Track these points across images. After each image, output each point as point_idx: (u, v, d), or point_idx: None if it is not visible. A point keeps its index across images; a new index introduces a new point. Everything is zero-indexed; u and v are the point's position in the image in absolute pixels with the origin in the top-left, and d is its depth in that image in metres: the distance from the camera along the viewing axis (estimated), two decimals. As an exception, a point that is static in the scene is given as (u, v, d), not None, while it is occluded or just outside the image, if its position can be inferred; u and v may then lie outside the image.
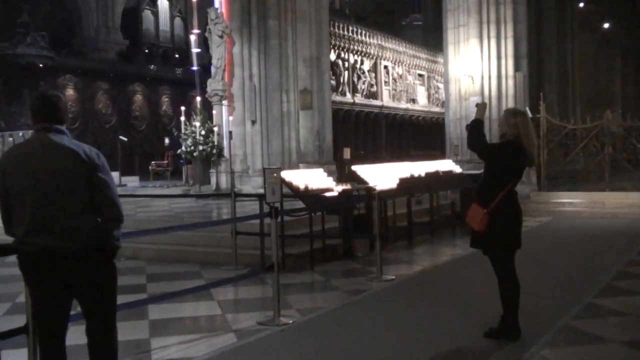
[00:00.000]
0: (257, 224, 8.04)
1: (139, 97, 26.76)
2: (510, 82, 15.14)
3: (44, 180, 3.19)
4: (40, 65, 22.42)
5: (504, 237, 4.72)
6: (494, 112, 14.69)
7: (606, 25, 26.64)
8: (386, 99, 20.85)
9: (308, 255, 8.09)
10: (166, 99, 27.79)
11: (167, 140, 21.69)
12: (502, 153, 4.75)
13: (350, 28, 19.03)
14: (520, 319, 4.81)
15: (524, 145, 4.72)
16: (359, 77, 19.47)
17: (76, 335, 3.49)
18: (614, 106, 23.73)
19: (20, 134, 15.24)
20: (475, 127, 4.83)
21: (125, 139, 20.15)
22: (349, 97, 18.88)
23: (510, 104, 14.80)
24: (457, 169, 12.30)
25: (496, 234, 4.69)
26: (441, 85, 22.48)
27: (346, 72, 18.84)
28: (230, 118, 14.65)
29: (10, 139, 15.69)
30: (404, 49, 21.83)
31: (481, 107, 4.98)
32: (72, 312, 3.39)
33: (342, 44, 18.57)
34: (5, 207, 3.28)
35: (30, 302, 3.48)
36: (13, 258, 3.38)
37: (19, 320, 3.84)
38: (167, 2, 28.30)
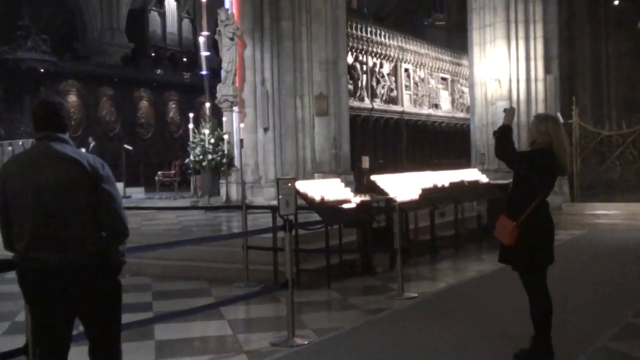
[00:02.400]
0: (269, 238, 8.05)
1: (144, 103, 26.95)
2: (540, 85, 15.07)
3: (46, 193, 3.21)
4: (42, 70, 22.66)
5: (535, 252, 4.69)
6: (523, 117, 14.62)
7: (643, 24, 26.45)
8: (407, 104, 20.83)
9: (324, 271, 8.08)
10: (173, 105, 27.96)
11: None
12: (533, 161, 4.72)
13: (369, 29, 19.06)
14: (553, 339, 4.76)
15: (555, 153, 4.69)
16: (378, 81, 19.47)
17: (78, 357, 3.50)
18: (653, 110, 23.51)
19: (20, 143, 15.38)
20: (504, 134, 4.81)
21: (130, 147, 20.26)
22: (367, 103, 18.89)
23: (541, 108, 14.72)
24: (484, 179, 12.23)
25: (526, 249, 4.66)
26: (466, 90, 22.41)
27: (364, 76, 18.86)
28: (241, 125, 14.70)
29: (10, 148, 15.83)
30: (426, 51, 21.82)
31: (509, 112, 4.96)
32: (74, 332, 3.40)
33: (360, 46, 18.60)
34: (5, 221, 3.30)
35: (30, 321, 3.49)
36: (12, 274, 3.40)
37: (19, 341, 3.86)
38: (175, 3, 28.53)
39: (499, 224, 4.74)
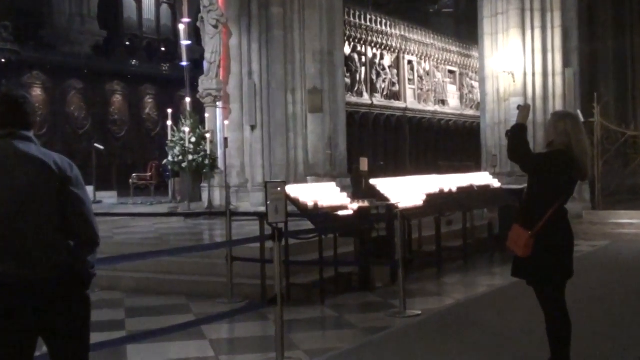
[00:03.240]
0: (257, 249, 8.03)
1: (118, 98, 26.93)
2: (558, 80, 15.11)
3: (8, 197, 3.19)
4: (3, 60, 22.61)
5: (553, 265, 4.69)
6: (539, 115, 14.66)
7: (672, 13, 26.57)
8: (410, 100, 20.87)
9: (317, 285, 8.06)
10: (150, 100, 27.95)
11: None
12: (550, 164, 4.72)
13: (368, 16, 19.11)
14: (572, 363, 4.76)
15: (575, 155, 4.70)
16: (378, 75, 19.52)
17: (42, 381, 3.48)
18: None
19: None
20: (517, 134, 4.81)
21: (102, 147, 20.24)
22: (366, 98, 18.92)
23: (559, 105, 14.77)
24: (496, 184, 12.26)
25: (543, 261, 4.66)
26: (476, 84, 22.47)
27: (363, 69, 18.91)
28: (226, 122, 14.69)
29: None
30: (432, 41, 21.88)
31: (524, 109, 4.96)
32: (37, 354, 3.38)
33: (358, 35, 18.65)
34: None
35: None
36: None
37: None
38: (152, -14, 28.55)
39: (512, 233, 4.74)
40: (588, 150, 4.80)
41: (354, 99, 18.21)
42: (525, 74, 15.10)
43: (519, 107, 5.04)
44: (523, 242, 4.64)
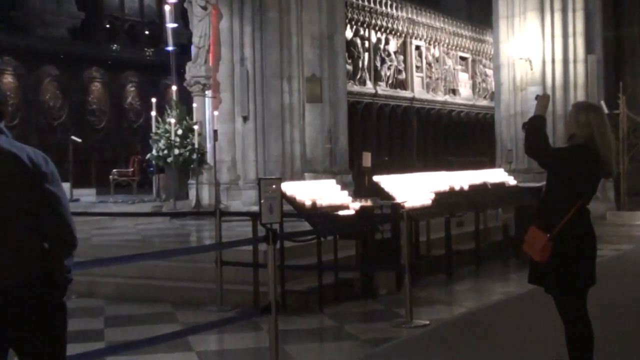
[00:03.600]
0: (249, 252, 8.03)
1: (97, 86, 26.89)
2: (580, 67, 15.11)
3: (-26, 194, 3.18)
4: (-30, 44, 22.56)
5: (573, 271, 4.69)
6: (559, 106, 14.67)
7: None
8: (418, 89, 20.86)
9: (316, 292, 8.07)
10: (132, 89, 27.92)
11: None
12: (571, 160, 4.72)
13: (372, -3, 19.08)
14: (595, 378, 4.77)
15: (598, 150, 4.70)
16: (383, 61, 19.51)
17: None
18: None
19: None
20: (535, 127, 4.81)
21: (79, 140, 20.19)
22: (369, 87, 18.91)
23: (581, 96, 14.77)
24: (511, 181, 12.26)
25: (563, 267, 4.66)
26: (490, 72, 22.47)
27: (366, 55, 18.89)
28: (216, 113, 14.69)
29: None
30: (442, 25, 21.87)
31: (542, 100, 4.96)
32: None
33: (361, 18, 18.63)
34: None
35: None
36: None
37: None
38: (135, -37, 28.52)
39: (529, 236, 4.74)
40: (612, 145, 4.79)
41: (356, 87, 18.19)
42: (544, 61, 15.09)
43: (537, 97, 5.04)
44: (541, 245, 4.64)
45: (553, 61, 15.10)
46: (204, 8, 14.85)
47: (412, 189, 9.81)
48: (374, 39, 19.14)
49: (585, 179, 4.74)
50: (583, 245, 4.73)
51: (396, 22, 19.89)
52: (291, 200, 8.41)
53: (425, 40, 21.16)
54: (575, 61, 15.12)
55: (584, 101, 5.23)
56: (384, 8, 19.43)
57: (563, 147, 4.93)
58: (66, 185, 16.66)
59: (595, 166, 4.72)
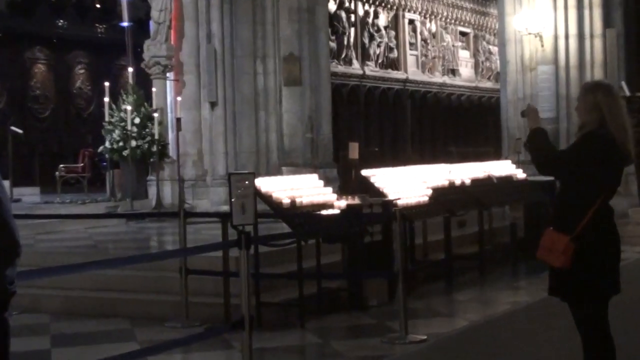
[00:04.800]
0: (218, 258, 8.02)
1: (40, 68, 26.73)
2: (598, 43, 15.17)
3: None
4: None
5: (594, 278, 4.69)
6: (574, 89, 14.68)
7: None
8: (412, 70, 20.90)
9: (296, 304, 8.06)
10: (82, 71, 27.78)
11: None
12: (582, 154, 4.72)
13: (358, -37, 19.09)
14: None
15: (613, 135, 4.71)
16: (371, 37, 19.52)
17: None
18: None
19: None
20: (538, 141, 4.82)
21: (20, 130, 20.08)
22: (356, 67, 18.92)
23: (598, 75, 14.83)
24: (520, 174, 12.29)
25: (582, 273, 4.66)
26: (495, 49, 22.54)
27: (353, 30, 18.89)
28: (179, 99, 14.64)
29: None
30: (439, -5, 21.90)
31: (531, 113, 4.97)
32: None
33: (345, -12, 18.62)
34: None
35: None
36: None
37: None
38: None
39: (546, 240, 4.72)
40: (629, 129, 4.79)
41: (341, 68, 18.20)
42: (556, 36, 15.14)
43: (523, 113, 5.05)
44: (561, 248, 4.61)
45: (567, 36, 15.14)
46: (164, -23, 14.78)
47: (407, 184, 9.81)
48: (361, 12, 19.16)
49: (604, 170, 4.74)
50: (606, 249, 4.73)
51: (386, -8, 19.92)
52: (267, 199, 8.39)
53: (420, 14, 21.21)
54: (591, 36, 15.18)
55: (592, 81, 5.21)
56: (372, -24, 19.45)
57: (574, 143, 4.93)
58: (6, 183, 16.55)
59: (612, 154, 4.72)
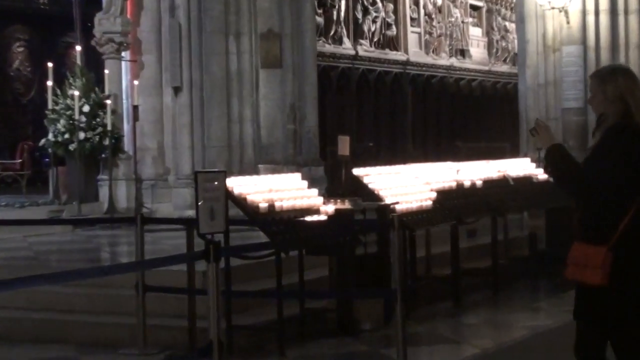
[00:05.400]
0: (182, 273, 8.01)
1: (-29, 46, 26.69)
2: (634, 20, 15.23)
3: None
4: None
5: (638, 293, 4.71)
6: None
7: None
8: (414, 50, 20.93)
9: (274, 328, 8.07)
10: (20, 49, 27.71)
11: None
12: (612, 151, 4.73)
13: None
14: None
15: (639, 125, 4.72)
16: (365, 11, 19.54)
17: None
18: None
19: None
20: (557, 157, 4.80)
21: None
22: (348, 47, 18.93)
23: (635, 58, 14.93)
24: (540, 175, 12.30)
25: (624, 289, 4.67)
26: (511, 27, 22.61)
27: (343, 3, 18.90)
28: (136, 83, 14.61)
29: None
30: (446, -38, 21.95)
31: (542, 131, 4.93)
32: None
33: (335, -48, 18.63)
34: None
35: None
36: None
37: None
38: None
39: (577, 255, 4.71)
40: None
41: (329, 47, 18.21)
42: (584, 12, 15.18)
43: (532, 131, 4.99)
44: (599, 261, 4.61)
45: (597, 12, 15.19)
46: (119, -63, 14.78)
47: (407, 185, 9.81)
48: (353, -19, 19.16)
49: (634, 170, 4.75)
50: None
51: (384, -43, 19.95)
52: (240, 202, 8.38)
53: (423, -17, 21.23)
54: (626, 12, 15.23)
55: (608, 66, 5.13)
56: (366, -62, 19.47)
57: (593, 146, 4.92)
58: None
59: None
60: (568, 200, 11.05)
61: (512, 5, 21.24)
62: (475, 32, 23.31)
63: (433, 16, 21.64)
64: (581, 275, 4.73)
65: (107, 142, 14.57)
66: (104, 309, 8.72)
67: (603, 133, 4.81)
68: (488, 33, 23.78)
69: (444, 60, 21.87)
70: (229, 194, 7.55)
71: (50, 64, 16.12)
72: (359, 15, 19.32)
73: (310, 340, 8.35)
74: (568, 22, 15.16)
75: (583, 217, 4.84)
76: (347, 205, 9.05)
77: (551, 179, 4.94)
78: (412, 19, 20.92)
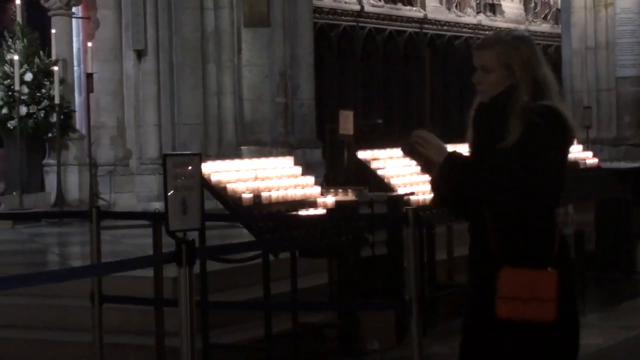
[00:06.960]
0: (148, 279, 8.04)
1: None
2: None
3: None
4: None
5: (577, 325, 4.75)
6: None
7: None
8: (433, 5, 20.94)
9: (260, 347, 8.10)
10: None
11: None
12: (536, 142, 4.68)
13: None
14: None
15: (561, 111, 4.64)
16: (373, -43, 19.53)
17: None
18: None
19: None
20: (458, 169, 4.80)
21: None
22: (351, 0, 18.93)
23: None
24: (590, 159, 12.33)
25: (576, 320, 4.70)
26: (553, -24, 22.60)
27: (345, -54, 18.90)
28: (90, 45, 14.62)
29: None
30: None
31: (426, 144, 4.85)
32: None
33: None
34: None
35: None
36: None
37: None
38: None
39: (514, 284, 4.50)
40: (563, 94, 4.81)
41: (328, 1, 18.21)
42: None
43: (406, 148, 4.85)
44: (551, 289, 4.42)
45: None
46: None
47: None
48: None
49: (562, 165, 4.75)
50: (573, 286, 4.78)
51: None
52: (219, 192, 8.41)
53: None
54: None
55: (504, 31, 4.76)
56: None
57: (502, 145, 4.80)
58: None
59: (565, 139, 4.72)
60: (622, 190, 11.15)
61: (554, -50, 21.27)
62: (508, -15, 23.37)
63: (455, -36, 21.69)
64: (525, 311, 4.46)
65: (54, 118, 14.59)
66: (51, 323, 8.75)
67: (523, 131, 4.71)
68: (524, -15, 23.83)
69: (469, 17, 21.88)
70: (205, 182, 7.56)
71: (-16, 23, 16.16)
72: (365, -37, 19.35)
73: (306, 362, 8.40)
74: (622, -29, 15.22)
75: (497, 235, 4.63)
76: (350, 196, 9.07)
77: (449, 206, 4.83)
78: (430, -32, 20.97)
